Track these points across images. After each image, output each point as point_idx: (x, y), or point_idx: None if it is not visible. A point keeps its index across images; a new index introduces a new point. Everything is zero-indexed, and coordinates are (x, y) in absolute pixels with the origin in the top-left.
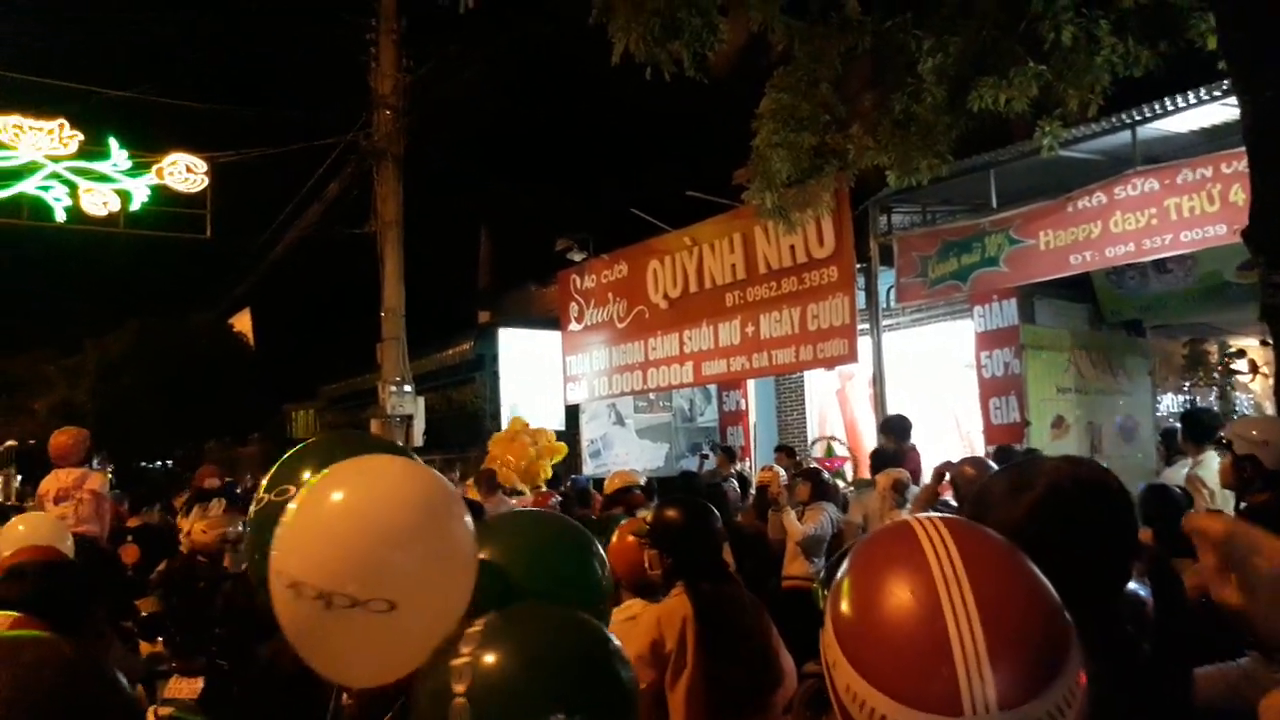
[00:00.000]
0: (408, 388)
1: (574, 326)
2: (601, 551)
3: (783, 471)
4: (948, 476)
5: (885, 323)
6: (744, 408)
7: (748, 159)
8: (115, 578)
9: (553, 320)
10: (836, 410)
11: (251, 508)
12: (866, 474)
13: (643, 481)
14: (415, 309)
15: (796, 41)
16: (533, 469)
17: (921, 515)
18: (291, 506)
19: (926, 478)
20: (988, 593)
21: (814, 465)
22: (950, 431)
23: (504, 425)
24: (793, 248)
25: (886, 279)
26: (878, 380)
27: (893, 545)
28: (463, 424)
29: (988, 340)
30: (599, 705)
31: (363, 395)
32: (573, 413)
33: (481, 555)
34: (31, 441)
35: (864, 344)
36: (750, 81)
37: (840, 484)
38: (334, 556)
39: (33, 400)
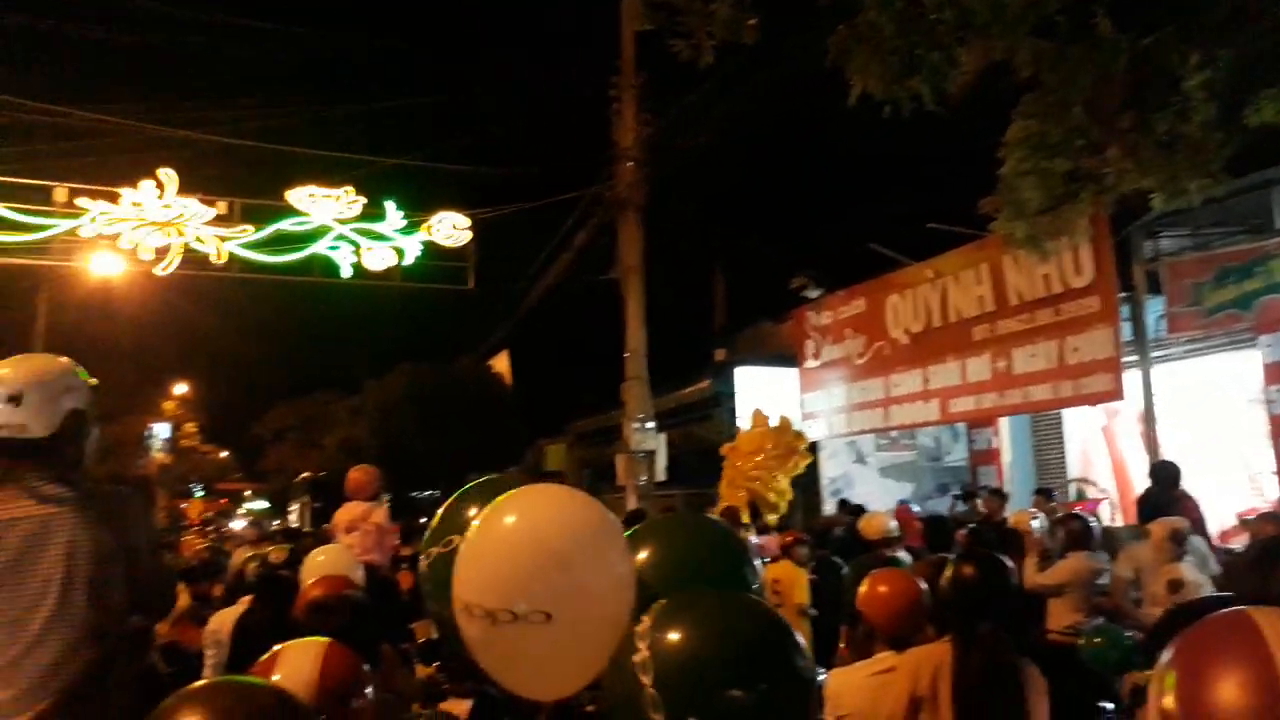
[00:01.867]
0: (650, 424)
1: (810, 363)
2: (755, 561)
3: (1042, 516)
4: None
5: (1155, 355)
6: (996, 446)
7: (992, 188)
8: (394, 603)
9: (788, 357)
10: (1102, 448)
11: (421, 563)
12: (1133, 520)
13: (894, 525)
14: (655, 348)
15: (1044, 66)
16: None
17: (1268, 610)
18: (469, 536)
19: (1210, 525)
20: None
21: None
22: (1237, 473)
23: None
24: (1046, 277)
25: (1154, 308)
26: (1148, 417)
27: (1234, 642)
28: (702, 459)
29: (1278, 372)
30: (777, 682)
31: (609, 431)
32: (811, 450)
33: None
34: (322, 473)
35: (1131, 378)
36: (992, 108)
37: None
38: (495, 578)
39: (323, 436)
